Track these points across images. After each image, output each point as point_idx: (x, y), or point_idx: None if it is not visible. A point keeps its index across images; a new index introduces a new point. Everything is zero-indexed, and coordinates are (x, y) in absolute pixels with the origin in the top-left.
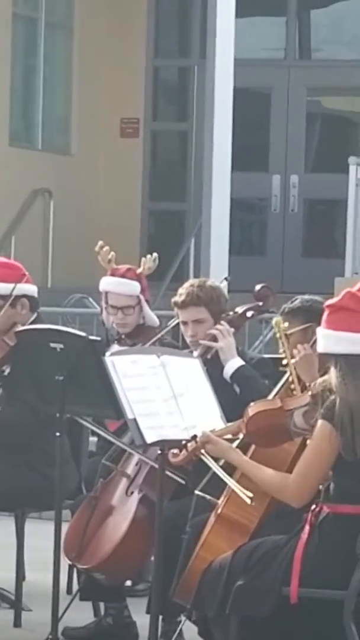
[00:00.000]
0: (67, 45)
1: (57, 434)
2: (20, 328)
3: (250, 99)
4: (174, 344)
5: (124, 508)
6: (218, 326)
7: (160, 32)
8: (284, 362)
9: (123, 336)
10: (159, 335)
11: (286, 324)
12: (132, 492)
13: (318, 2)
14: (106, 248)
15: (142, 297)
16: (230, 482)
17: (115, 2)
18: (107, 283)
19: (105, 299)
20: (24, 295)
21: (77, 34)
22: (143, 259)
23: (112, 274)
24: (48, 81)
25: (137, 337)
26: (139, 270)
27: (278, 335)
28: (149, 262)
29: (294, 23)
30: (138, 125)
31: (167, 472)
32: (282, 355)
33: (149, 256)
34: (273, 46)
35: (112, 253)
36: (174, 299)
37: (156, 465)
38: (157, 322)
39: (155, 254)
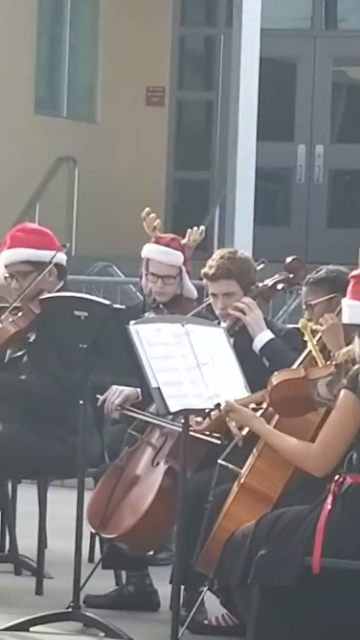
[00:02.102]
0: (93, 13)
1: (81, 402)
2: (46, 295)
3: (276, 68)
4: (210, 318)
5: (150, 479)
6: (244, 299)
7: (187, 1)
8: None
9: (160, 305)
10: (198, 309)
11: (313, 326)
12: (158, 463)
13: None
14: (152, 215)
15: (183, 268)
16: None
17: None
18: (150, 250)
19: (146, 266)
20: (54, 263)
21: (103, 2)
22: (189, 230)
23: (157, 242)
24: (74, 49)
25: (174, 307)
26: (183, 241)
27: (306, 338)
28: (195, 234)
29: None
30: (163, 94)
31: (201, 436)
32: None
33: (195, 228)
34: (299, 16)
35: (158, 220)
36: (203, 270)
37: (180, 429)
38: (195, 294)
39: (202, 227)
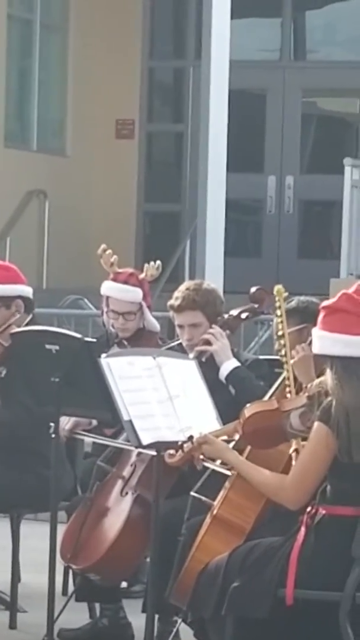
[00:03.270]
0: (62, 47)
1: (53, 435)
2: (16, 329)
3: (245, 100)
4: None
5: (119, 508)
6: (211, 330)
7: (156, 33)
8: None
9: (123, 340)
10: (170, 345)
11: (286, 294)
12: (126, 493)
13: (313, 4)
14: (109, 251)
15: (143, 303)
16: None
17: (110, 3)
18: (108, 288)
19: (106, 303)
20: (19, 297)
21: (72, 35)
22: (146, 265)
23: (114, 279)
24: (43, 82)
25: (137, 341)
26: (141, 276)
27: (278, 304)
28: (152, 269)
29: (289, 24)
30: (133, 127)
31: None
32: (277, 357)
33: (152, 263)
34: (268, 47)
35: (115, 257)
36: (169, 303)
37: (154, 453)
38: (157, 327)
39: (158, 262)
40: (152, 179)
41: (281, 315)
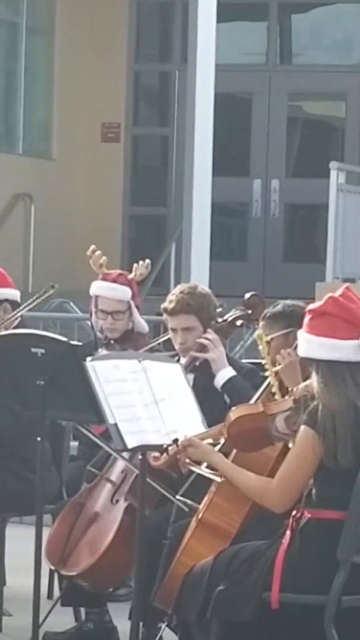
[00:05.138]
0: (48, 50)
1: (38, 438)
2: (2, 333)
3: (231, 104)
4: (163, 352)
5: (110, 516)
6: (208, 336)
7: (141, 37)
8: (266, 366)
9: (112, 341)
10: (152, 344)
11: (268, 337)
12: (117, 501)
13: (299, 8)
14: (98, 252)
15: (132, 302)
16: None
17: (96, 6)
18: (98, 287)
19: (95, 303)
20: (6, 300)
21: (58, 39)
22: (135, 264)
23: (104, 279)
24: (29, 86)
25: (126, 342)
26: (130, 276)
27: (260, 347)
28: (141, 268)
29: (275, 28)
30: (119, 130)
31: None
32: (265, 361)
33: (141, 262)
34: (254, 51)
35: (104, 258)
36: (163, 305)
37: (137, 471)
38: (146, 328)
39: (147, 261)
40: (138, 182)
41: (265, 358)
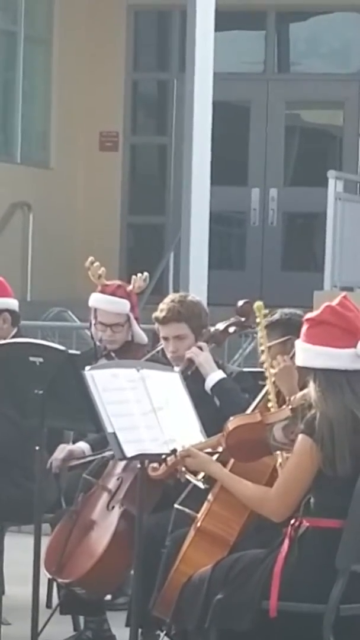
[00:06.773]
0: (46, 59)
1: (37, 447)
2: (0, 342)
3: (229, 112)
4: (163, 361)
5: (105, 522)
6: (192, 348)
7: (139, 46)
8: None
9: (111, 353)
10: (152, 353)
11: (264, 346)
12: (113, 507)
13: (297, 16)
14: (96, 264)
15: (131, 314)
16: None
17: (94, 15)
18: (96, 300)
19: (94, 315)
20: (6, 310)
21: (56, 48)
22: (133, 277)
23: (102, 291)
24: (27, 95)
25: (125, 353)
26: (129, 288)
27: (258, 320)
28: (139, 281)
29: (272, 37)
30: (117, 139)
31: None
32: (262, 369)
33: (139, 275)
34: (252, 60)
35: (103, 269)
36: (154, 315)
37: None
38: (145, 339)
39: (146, 274)
40: (136, 191)
41: (262, 330)
